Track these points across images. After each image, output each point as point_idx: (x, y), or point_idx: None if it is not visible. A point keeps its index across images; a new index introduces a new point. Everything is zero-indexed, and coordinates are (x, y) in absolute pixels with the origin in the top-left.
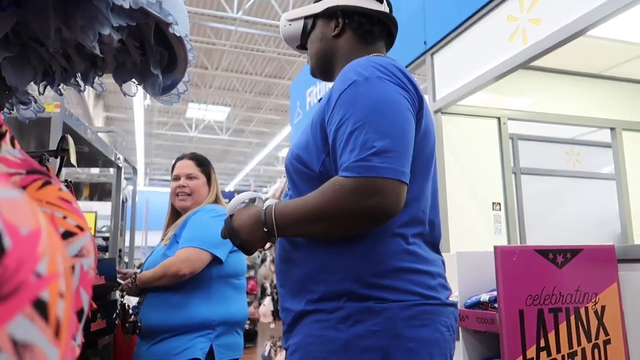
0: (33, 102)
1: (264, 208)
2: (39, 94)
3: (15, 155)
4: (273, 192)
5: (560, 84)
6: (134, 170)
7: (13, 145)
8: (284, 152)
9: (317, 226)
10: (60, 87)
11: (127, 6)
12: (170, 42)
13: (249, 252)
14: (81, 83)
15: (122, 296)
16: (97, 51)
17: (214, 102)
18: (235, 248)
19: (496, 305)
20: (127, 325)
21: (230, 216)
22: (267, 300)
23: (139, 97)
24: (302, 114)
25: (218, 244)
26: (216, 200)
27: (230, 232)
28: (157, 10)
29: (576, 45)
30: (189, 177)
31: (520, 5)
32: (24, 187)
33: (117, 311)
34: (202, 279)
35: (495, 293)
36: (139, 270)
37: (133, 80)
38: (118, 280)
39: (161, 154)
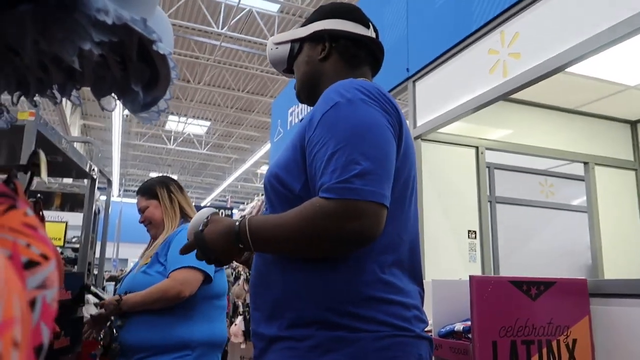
0: (5, 112)
1: (237, 223)
2: (12, 104)
3: None
4: (250, 209)
5: (537, 117)
6: (109, 182)
7: None
8: (262, 169)
9: (294, 245)
10: (35, 98)
11: (110, 22)
12: (153, 58)
13: (222, 265)
14: (57, 95)
15: (109, 321)
16: (77, 65)
17: (195, 116)
18: (219, 267)
19: (470, 335)
20: (110, 350)
21: (201, 232)
22: (239, 320)
23: (117, 107)
24: (283, 133)
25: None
26: (184, 217)
27: (203, 248)
28: (142, 28)
29: (554, 81)
30: (142, 210)
31: (501, 39)
32: None
33: (102, 335)
34: (187, 299)
35: (469, 323)
36: (116, 298)
37: (112, 95)
38: (97, 311)
39: (137, 164)
